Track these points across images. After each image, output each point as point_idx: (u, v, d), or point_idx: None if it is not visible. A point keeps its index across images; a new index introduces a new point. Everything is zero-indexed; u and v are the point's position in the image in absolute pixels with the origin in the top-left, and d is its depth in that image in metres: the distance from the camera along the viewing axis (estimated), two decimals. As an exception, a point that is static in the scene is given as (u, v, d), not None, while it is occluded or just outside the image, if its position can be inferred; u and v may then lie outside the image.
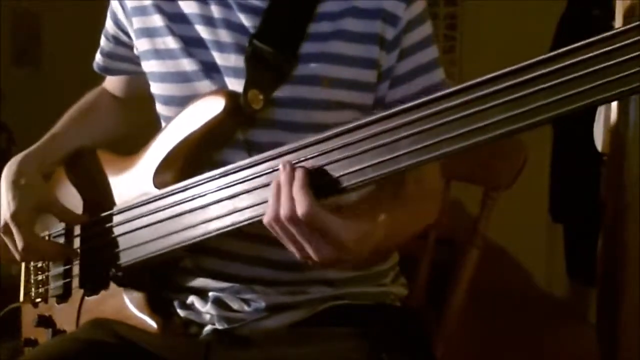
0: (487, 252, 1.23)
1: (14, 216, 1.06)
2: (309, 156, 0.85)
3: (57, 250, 1.12)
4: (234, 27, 1.01)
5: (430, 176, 1.02)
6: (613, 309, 1.39)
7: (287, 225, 0.83)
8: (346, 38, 0.99)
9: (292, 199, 0.82)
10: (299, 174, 0.83)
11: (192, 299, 1.04)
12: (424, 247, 1.27)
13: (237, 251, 1.01)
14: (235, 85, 0.99)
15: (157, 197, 0.99)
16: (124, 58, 1.16)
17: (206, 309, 1.02)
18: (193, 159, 1.00)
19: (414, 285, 1.21)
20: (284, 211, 0.83)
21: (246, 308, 1.01)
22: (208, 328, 1.02)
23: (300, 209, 0.81)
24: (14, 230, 1.06)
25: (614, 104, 1.35)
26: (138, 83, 1.13)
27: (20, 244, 1.07)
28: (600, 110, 1.44)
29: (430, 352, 1.08)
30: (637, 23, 0.67)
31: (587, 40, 0.70)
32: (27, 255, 1.09)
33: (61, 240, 1.13)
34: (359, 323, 1.00)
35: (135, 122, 1.27)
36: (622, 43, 0.68)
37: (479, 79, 0.75)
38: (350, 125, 0.83)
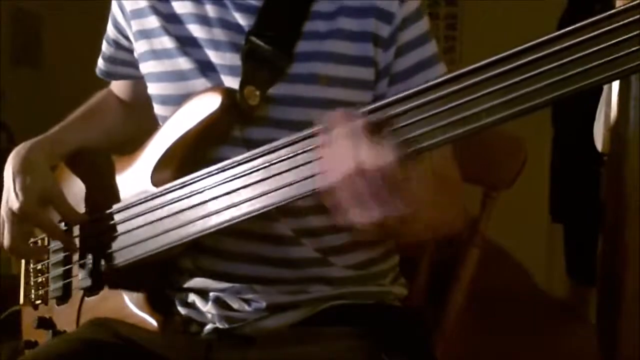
0: (487, 252, 1.23)
1: (23, 208, 1.05)
2: (306, 149, 0.85)
3: (67, 240, 1.11)
4: (230, 25, 1.02)
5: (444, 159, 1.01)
6: (613, 309, 1.39)
7: (365, 176, 0.75)
8: (341, 37, 1.00)
9: (374, 148, 0.75)
10: (378, 124, 0.78)
11: (192, 297, 1.04)
12: (424, 247, 1.27)
13: (236, 250, 1.01)
14: (231, 83, 0.99)
15: (155, 195, 0.99)
16: (126, 62, 1.17)
17: (207, 308, 1.02)
18: (190, 156, 1.00)
19: (414, 285, 1.21)
20: (367, 160, 0.75)
21: (247, 308, 1.01)
22: (209, 327, 1.02)
23: (387, 158, 0.75)
24: (28, 221, 1.06)
25: (614, 104, 1.35)
26: (142, 88, 1.13)
27: (44, 231, 1.08)
28: (601, 110, 1.44)
29: (430, 352, 1.08)
30: (637, 2, 0.68)
31: (587, 21, 0.70)
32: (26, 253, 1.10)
33: None
34: (359, 323, 1.00)
35: (142, 125, 1.27)
36: (622, 22, 0.68)
37: (481, 63, 0.75)
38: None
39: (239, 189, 0.90)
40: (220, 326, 1.01)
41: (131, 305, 1.04)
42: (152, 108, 1.09)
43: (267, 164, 0.88)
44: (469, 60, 1.03)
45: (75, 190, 1.13)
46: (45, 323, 1.16)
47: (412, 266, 1.22)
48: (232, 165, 0.91)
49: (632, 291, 1.33)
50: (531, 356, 1.71)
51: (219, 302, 1.02)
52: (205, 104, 0.98)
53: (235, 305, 1.01)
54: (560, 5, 2.68)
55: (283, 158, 0.87)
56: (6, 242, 1.07)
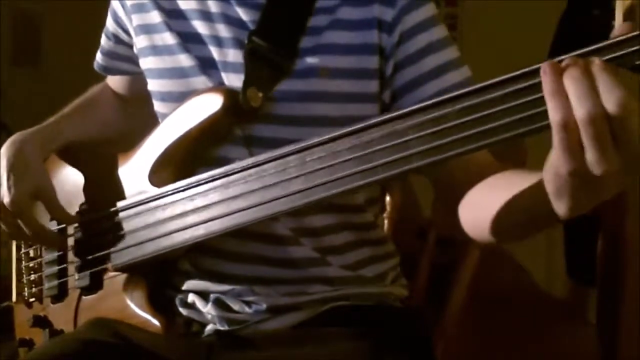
0: (487, 252, 1.23)
1: (15, 203, 1.05)
2: (317, 156, 0.84)
3: (57, 240, 1.11)
4: (233, 21, 1.01)
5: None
6: (613, 309, 1.39)
7: (611, 120, 0.64)
8: (343, 27, 0.99)
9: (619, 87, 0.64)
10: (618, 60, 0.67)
11: (192, 298, 1.04)
12: (424, 248, 1.28)
13: (236, 250, 1.01)
14: (233, 80, 0.99)
15: (157, 196, 0.99)
16: (124, 57, 1.16)
17: (207, 309, 1.02)
18: (189, 156, 1.00)
19: (414, 285, 1.21)
20: (611, 101, 0.64)
21: (247, 310, 1.01)
22: (209, 328, 1.02)
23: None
24: (18, 217, 1.06)
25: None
26: (139, 84, 1.13)
27: (28, 231, 1.07)
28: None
29: (431, 352, 1.08)
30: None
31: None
32: (22, 237, 1.09)
33: None
34: (359, 324, 0.99)
35: (138, 121, 1.26)
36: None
37: (492, 81, 0.74)
38: (360, 125, 0.82)
39: (245, 193, 0.89)
40: (221, 327, 1.01)
41: (133, 306, 1.04)
42: (149, 104, 1.09)
43: (273, 170, 0.87)
44: (470, 60, 1.03)
45: (68, 184, 1.12)
46: (40, 322, 1.15)
47: (412, 266, 1.22)
48: (239, 169, 0.90)
49: (632, 291, 1.33)
50: (531, 356, 1.71)
51: (219, 304, 1.02)
52: (206, 105, 0.97)
53: (235, 307, 1.01)
54: (560, 6, 2.68)
55: (295, 164, 0.86)
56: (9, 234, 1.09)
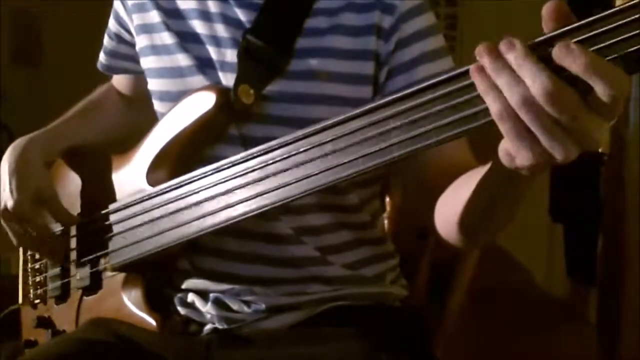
0: (487, 252, 1.23)
1: (17, 207, 1.06)
2: (301, 149, 0.84)
3: (59, 244, 1.11)
4: (231, 21, 1.02)
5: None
6: (613, 309, 1.39)
7: (547, 107, 0.63)
8: (343, 32, 0.99)
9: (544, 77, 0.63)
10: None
11: (192, 298, 1.04)
12: (424, 248, 1.27)
13: (237, 250, 1.01)
14: (231, 80, 0.99)
15: (151, 195, 0.99)
16: (127, 57, 1.17)
17: (206, 309, 1.02)
18: (186, 155, 1.00)
19: (414, 285, 1.21)
20: (538, 90, 0.63)
21: (246, 309, 1.01)
22: (208, 327, 1.02)
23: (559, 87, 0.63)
24: (23, 220, 1.07)
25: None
26: (143, 83, 1.13)
27: (33, 233, 1.07)
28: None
29: (431, 352, 1.08)
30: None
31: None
32: (26, 243, 1.10)
33: None
34: (359, 324, 1.00)
35: (142, 121, 1.27)
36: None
37: (462, 69, 0.74)
38: (345, 116, 0.81)
39: (235, 189, 0.90)
40: (220, 326, 1.01)
41: (130, 305, 1.04)
42: (152, 103, 1.09)
43: (262, 164, 0.88)
44: (469, 60, 1.03)
45: (72, 187, 1.13)
46: (44, 322, 1.16)
47: (412, 266, 1.22)
48: (229, 165, 0.91)
49: (632, 291, 1.34)
50: (531, 356, 1.71)
51: (219, 303, 1.02)
52: (199, 103, 0.98)
53: (235, 306, 1.01)
54: (561, 6, 2.68)
55: (279, 158, 0.87)
56: (14, 241, 1.09)
